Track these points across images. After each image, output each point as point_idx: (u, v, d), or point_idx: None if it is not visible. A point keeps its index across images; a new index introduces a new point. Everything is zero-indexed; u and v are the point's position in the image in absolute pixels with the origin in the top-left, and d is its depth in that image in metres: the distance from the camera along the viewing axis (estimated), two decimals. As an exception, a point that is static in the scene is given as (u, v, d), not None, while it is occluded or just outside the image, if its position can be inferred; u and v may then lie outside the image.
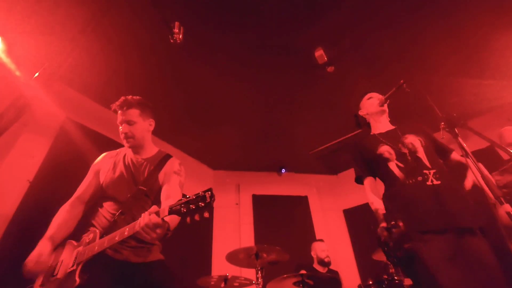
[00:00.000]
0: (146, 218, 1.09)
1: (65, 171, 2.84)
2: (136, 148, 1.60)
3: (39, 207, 2.57)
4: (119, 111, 1.56)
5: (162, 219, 1.09)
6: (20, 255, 2.28)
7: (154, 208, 1.12)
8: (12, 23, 2.48)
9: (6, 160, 2.64)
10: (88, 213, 1.54)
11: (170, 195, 1.41)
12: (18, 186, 2.60)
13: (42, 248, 1.34)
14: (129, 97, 1.59)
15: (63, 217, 1.47)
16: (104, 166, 1.60)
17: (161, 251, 1.51)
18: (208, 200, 1.01)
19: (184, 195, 1.09)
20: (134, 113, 1.55)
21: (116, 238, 1.19)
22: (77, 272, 1.21)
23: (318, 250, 3.44)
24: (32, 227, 2.44)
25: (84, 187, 1.56)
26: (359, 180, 1.76)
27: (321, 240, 3.60)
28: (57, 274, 1.28)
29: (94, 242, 1.28)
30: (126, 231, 1.16)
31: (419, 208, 1.37)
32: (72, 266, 1.25)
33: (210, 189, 1.03)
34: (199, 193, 1.04)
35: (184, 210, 1.03)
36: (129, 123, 1.53)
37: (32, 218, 2.49)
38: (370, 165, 1.71)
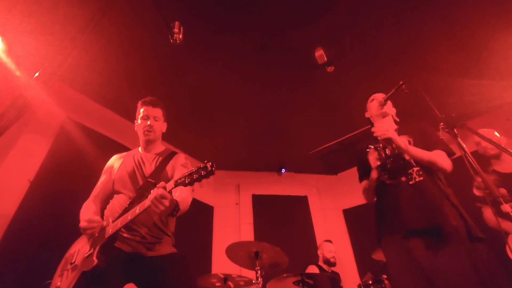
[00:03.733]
0: (155, 192, 1.19)
1: (65, 171, 2.85)
2: (151, 142, 1.71)
3: (40, 206, 2.58)
4: (146, 107, 1.71)
5: (170, 193, 1.20)
6: (21, 255, 2.31)
7: (161, 183, 1.22)
8: (12, 23, 2.48)
9: (6, 160, 2.64)
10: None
11: None
12: (18, 186, 2.61)
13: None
14: (155, 98, 1.78)
15: (90, 208, 1.54)
16: (115, 165, 1.69)
17: (173, 244, 1.54)
18: (210, 168, 1.10)
19: None
20: (159, 112, 1.74)
21: (129, 217, 1.26)
22: (95, 254, 1.27)
23: (326, 250, 3.53)
24: (33, 226, 2.46)
25: (100, 188, 1.64)
26: (362, 179, 1.83)
27: (330, 241, 3.68)
28: (74, 261, 1.33)
29: (108, 226, 1.34)
30: (137, 209, 1.24)
31: (402, 209, 1.43)
32: (89, 250, 1.31)
33: (210, 161, 1.13)
34: (200, 165, 1.12)
35: (188, 180, 1.12)
36: (155, 118, 1.71)
37: (33, 218, 2.50)
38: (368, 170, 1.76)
